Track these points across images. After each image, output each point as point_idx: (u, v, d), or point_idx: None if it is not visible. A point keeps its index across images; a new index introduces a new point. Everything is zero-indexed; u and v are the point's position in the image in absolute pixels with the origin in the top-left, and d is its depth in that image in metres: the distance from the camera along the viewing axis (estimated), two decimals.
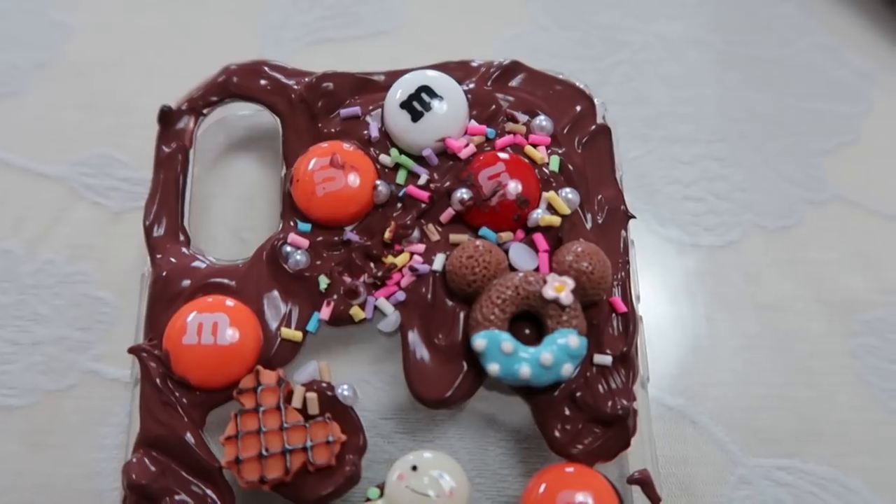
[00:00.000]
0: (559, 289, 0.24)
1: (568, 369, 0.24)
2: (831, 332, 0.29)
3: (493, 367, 0.23)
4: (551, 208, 0.26)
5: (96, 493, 0.25)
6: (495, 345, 0.23)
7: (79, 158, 0.30)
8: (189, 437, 0.23)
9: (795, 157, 0.32)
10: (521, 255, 0.25)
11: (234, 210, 0.29)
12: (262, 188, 0.30)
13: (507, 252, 0.25)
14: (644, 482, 0.24)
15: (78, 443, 0.26)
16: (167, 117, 0.27)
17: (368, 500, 0.23)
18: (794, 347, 0.29)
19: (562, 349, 0.23)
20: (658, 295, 0.29)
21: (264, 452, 0.23)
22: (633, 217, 0.27)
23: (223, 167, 0.30)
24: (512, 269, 0.25)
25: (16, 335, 0.27)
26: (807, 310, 0.30)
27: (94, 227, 0.29)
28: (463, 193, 0.26)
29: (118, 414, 0.26)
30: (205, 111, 0.28)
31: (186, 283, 0.25)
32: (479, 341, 0.24)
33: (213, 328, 0.23)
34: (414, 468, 0.23)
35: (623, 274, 0.26)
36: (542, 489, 0.23)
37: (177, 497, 0.22)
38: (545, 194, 0.26)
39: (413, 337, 0.25)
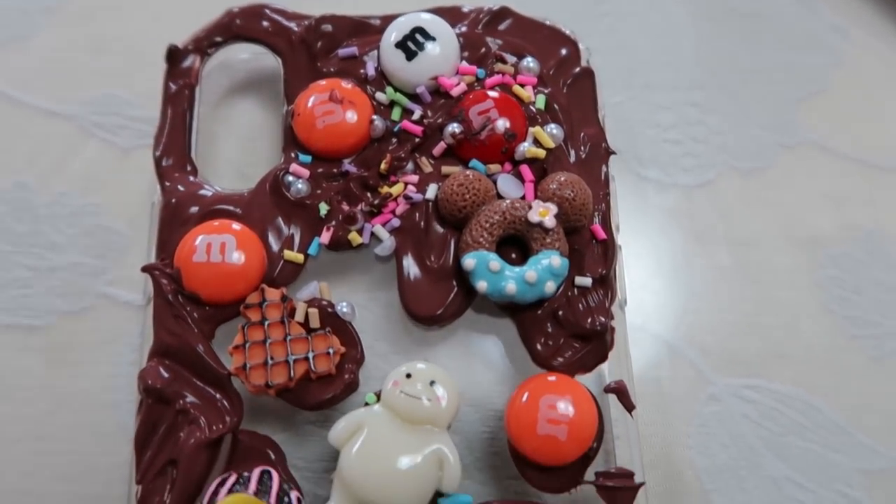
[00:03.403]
0: (543, 213, 0.26)
1: (551, 287, 0.25)
2: (798, 265, 0.31)
3: (482, 284, 0.25)
4: (537, 142, 0.28)
5: (113, 404, 0.27)
6: (483, 264, 0.25)
7: (88, 98, 0.32)
8: (199, 346, 0.25)
9: (769, 104, 0.34)
10: (508, 185, 0.27)
11: (237, 148, 0.31)
12: (264, 128, 0.31)
13: (495, 182, 0.27)
14: (620, 391, 0.26)
15: (94, 360, 0.28)
16: (174, 56, 0.29)
17: (367, 404, 0.25)
18: (763, 279, 0.31)
19: (545, 268, 0.25)
20: (637, 229, 0.31)
21: (269, 361, 0.24)
22: (614, 153, 0.29)
23: (226, 108, 0.32)
24: (500, 197, 0.27)
25: (34, 261, 0.29)
26: (776, 245, 0.32)
27: (105, 162, 0.31)
28: (454, 127, 0.27)
29: (131, 334, 0.28)
30: (209, 51, 0.29)
31: (195, 209, 0.27)
32: (469, 261, 0.25)
33: (220, 248, 0.25)
34: (408, 375, 0.25)
35: (604, 205, 0.28)
36: (525, 397, 0.25)
37: (189, 399, 0.24)
38: (531, 129, 0.28)
39: (407, 260, 0.27)
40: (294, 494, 0.23)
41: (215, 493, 0.22)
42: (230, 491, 0.22)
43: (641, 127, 0.33)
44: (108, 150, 0.31)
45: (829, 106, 0.34)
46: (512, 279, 0.25)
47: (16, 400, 0.27)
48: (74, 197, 0.30)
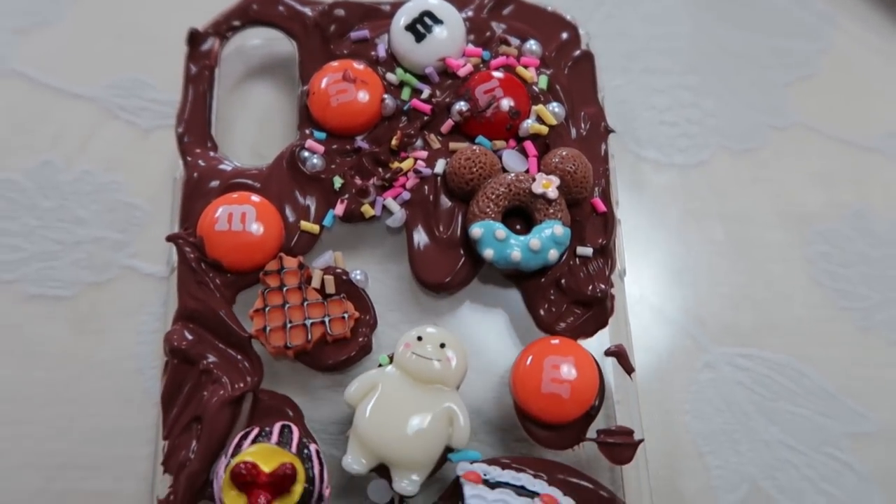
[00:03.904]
0: (546, 185, 0.27)
1: (554, 255, 0.27)
2: (789, 240, 0.33)
3: (488, 252, 0.27)
4: (540, 119, 0.29)
5: (137, 370, 0.29)
6: (490, 232, 0.27)
7: (111, 82, 0.33)
8: (222, 310, 0.26)
9: (760, 87, 0.36)
10: (513, 160, 0.28)
11: (253, 130, 0.32)
12: (278, 111, 0.32)
13: (500, 158, 0.29)
14: (619, 354, 0.27)
15: (118, 328, 0.29)
16: (194, 39, 0.30)
17: (380, 365, 0.26)
18: (755, 254, 0.32)
19: (548, 237, 0.27)
20: (636, 206, 0.33)
21: (288, 324, 0.26)
22: (613, 131, 0.30)
23: (242, 93, 0.33)
24: (505, 171, 0.28)
25: (60, 235, 0.30)
26: (767, 221, 0.33)
27: (126, 142, 0.32)
28: (461, 106, 0.29)
29: (153, 303, 0.29)
30: (228, 34, 0.31)
31: (215, 183, 0.28)
32: (476, 230, 0.27)
33: (241, 217, 0.27)
34: (419, 338, 0.26)
35: (604, 181, 0.29)
36: (530, 359, 0.26)
37: (212, 360, 0.26)
38: (534, 107, 0.29)
39: (417, 231, 0.28)
40: (313, 447, 0.24)
41: (239, 445, 0.23)
42: (253, 442, 0.23)
43: (639, 109, 0.35)
44: (130, 131, 0.32)
45: (817, 90, 0.36)
46: (517, 247, 0.27)
47: (44, 366, 0.29)
48: (98, 175, 0.31)
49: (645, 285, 0.31)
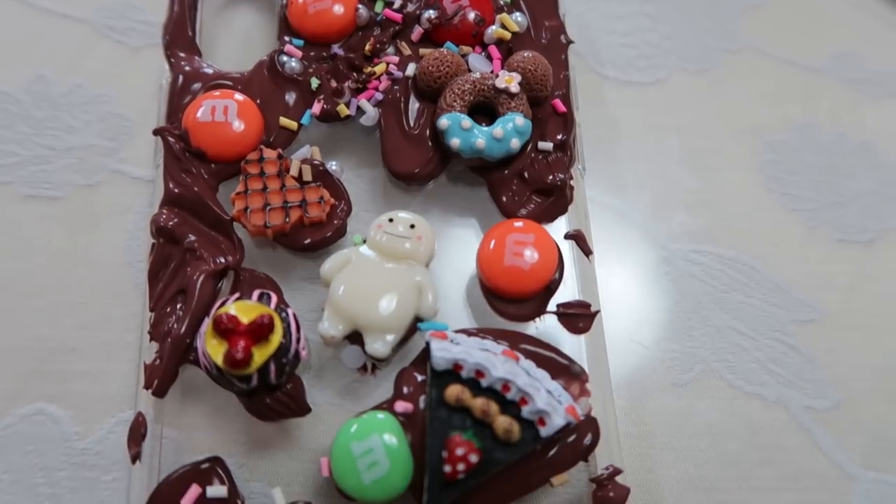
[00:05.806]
0: (509, 81, 0.29)
1: (516, 144, 0.29)
2: (741, 151, 0.35)
3: (455, 141, 0.29)
4: (504, 27, 0.31)
5: (126, 264, 0.30)
6: (456, 123, 0.29)
7: (101, 4, 0.35)
8: (205, 194, 0.28)
9: (714, 16, 0.38)
10: (478, 62, 0.30)
11: (236, 50, 0.34)
12: (260, 37, 0.35)
13: (466, 61, 0.31)
14: (578, 237, 0.29)
15: (108, 227, 0.31)
16: None
17: (354, 244, 0.28)
18: (709, 163, 0.35)
19: (511, 128, 0.29)
20: (597, 119, 0.35)
21: (267, 206, 0.28)
22: (572, 42, 0.32)
23: (226, 17, 0.35)
24: (470, 72, 0.30)
25: (52, 142, 0.32)
26: (720, 134, 0.35)
27: (116, 59, 0.34)
28: (430, 13, 0.31)
29: (141, 205, 0.31)
30: None
31: (198, 85, 0.30)
32: (444, 121, 0.29)
33: (224, 110, 0.28)
34: (390, 220, 0.28)
35: (563, 88, 0.31)
36: (493, 237, 0.28)
37: (193, 237, 0.27)
38: (498, 16, 0.31)
39: (390, 127, 0.30)
40: (290, 310, 0.26)
41: (221, 305, 0.25)
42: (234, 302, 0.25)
43: (600, 33, 0.37)
44: (120, 49, 0.34)
45: (767, 17, 0.38)
46: (481, 136, 0.29)
47: (38, 261, 0.30)
48: (89, 88, 0.33)
49: (606, 190, 0.33)
